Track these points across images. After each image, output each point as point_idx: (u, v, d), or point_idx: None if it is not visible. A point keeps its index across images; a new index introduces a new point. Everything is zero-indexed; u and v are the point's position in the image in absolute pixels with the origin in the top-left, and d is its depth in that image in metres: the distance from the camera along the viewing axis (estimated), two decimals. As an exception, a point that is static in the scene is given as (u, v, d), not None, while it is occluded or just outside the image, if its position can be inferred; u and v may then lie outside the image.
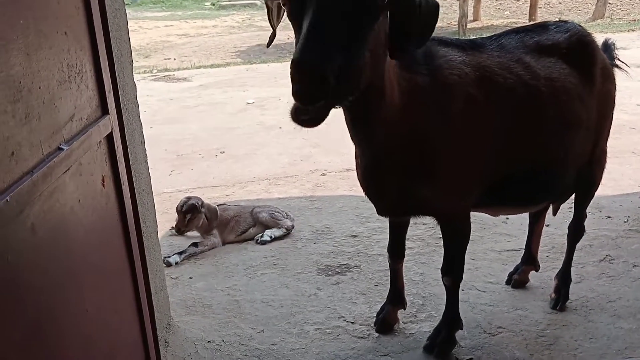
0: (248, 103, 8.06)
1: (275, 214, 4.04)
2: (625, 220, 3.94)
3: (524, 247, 3.25)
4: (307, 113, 1.62)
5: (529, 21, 15.31)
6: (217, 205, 4.09)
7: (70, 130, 1.46)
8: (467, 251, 2.57)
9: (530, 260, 3.18)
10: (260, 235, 3.93)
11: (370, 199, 2.46)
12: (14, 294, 1.16)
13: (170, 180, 5.26)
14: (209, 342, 2.77)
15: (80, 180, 1.52)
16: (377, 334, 2.82)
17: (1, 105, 1.13)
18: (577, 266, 3.17)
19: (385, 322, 2.84)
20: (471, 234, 2.54)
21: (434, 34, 1.92)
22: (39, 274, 1.28)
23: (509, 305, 3.02)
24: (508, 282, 3.22)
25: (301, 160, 5.63)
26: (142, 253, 2.04)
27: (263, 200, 4.55)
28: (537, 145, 2.46)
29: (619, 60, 2.84)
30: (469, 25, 14.74)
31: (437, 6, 1.84)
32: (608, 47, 2.83)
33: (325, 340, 2.80)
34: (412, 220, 2.80)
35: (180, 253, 3.73)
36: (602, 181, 2.93)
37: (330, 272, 3.46)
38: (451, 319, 2.65)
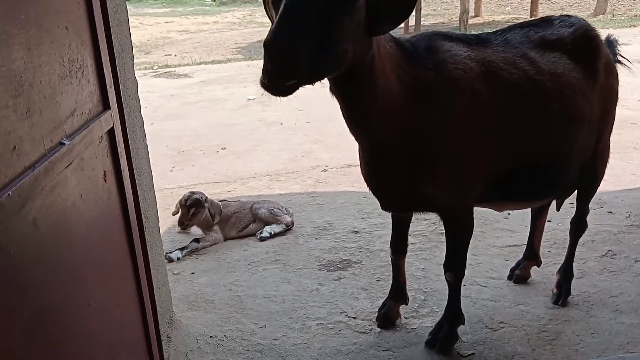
0: (249, 99, 8.06)
1: (275, 210, 4.04)
2: (627, 216, 3.94)
3: (525, 242, 3.25)
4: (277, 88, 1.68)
5: (530, 17, 15.28)
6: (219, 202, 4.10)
7: (71, 125, 1.46)
8: (469, 246, 2.57)
9: (532, 255, 3.18)
10: (260, 231, 3.93)
11: (373, 194, 2.47)
12: (16, 288, 1.16)
13: (172, 176, 5.26)
14: (211, 337, 2.78)
15: (82, 175, 1.52)
16: (379, 329, 2.82)
17: (2, 99, 1.13)
18: (579, 261, 3.17)
19: (387, 317, 2.84)
20: (473, 228, 2.54)
21: (439, 30, 1.93)
22: (41, 268, 1.28)
23: (510, 301, 3.02)
24: (510, 278, 3.22)
25: (302, 156, 5.63)
26: (144, 248, 2.03)
27: (264, 196, 4.55)
28: (542, 140, 2.46)
29: (622, 56, 2.83)
30: (470, 21, 14.72)
31: None
32: (611, 43, 2.82)
33: (327, 335, 2.80)
34: (414, 216, 2.81)
35: (182, 249, 3.74)
36: (604, 177, 2.93)
37: (332, 268, 3.46)
38: (453, 314, 2.65)
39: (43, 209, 1.27)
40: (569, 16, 2.67)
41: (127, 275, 1.90)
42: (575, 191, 2.89)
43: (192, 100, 8.29)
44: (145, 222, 2.30)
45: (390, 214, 2.72)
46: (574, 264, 3.05)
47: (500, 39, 2.44)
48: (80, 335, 1.49)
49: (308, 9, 1.65)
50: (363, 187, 2.52)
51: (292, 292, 3.20)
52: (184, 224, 3.95)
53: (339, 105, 2.11)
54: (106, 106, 1.73)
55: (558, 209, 3.10)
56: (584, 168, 2.68)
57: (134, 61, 2.51)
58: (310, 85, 1.80)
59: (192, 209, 3.87)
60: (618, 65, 2.80)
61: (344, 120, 2.17)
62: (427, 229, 3.85)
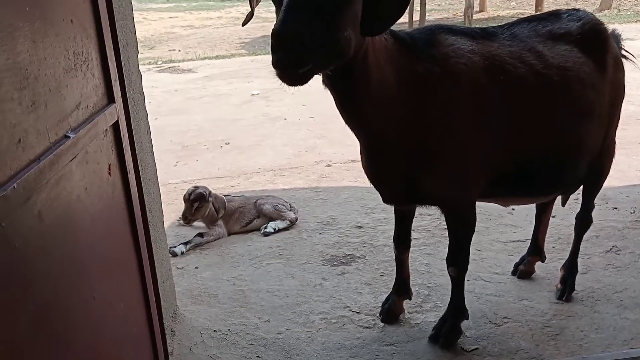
0: (253, 94, 8.06)
1: (279, 206, 4.04)
2: (632, 212, 3.93)
3: (529, 238, 3.24)
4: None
5: (536, 12, 15.20)
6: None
7: (76, 118, 1.46)
8: (472, 242, 2.57)
9: (536, 250, 3.17)
10: (264, 226, 3.94)
11: (374, 187, 2.47)
12: (21, 281, 1.17)
13: (176, 171, 5.27)
14: (215, 331, 2.79)
15: (87, 169, 1.52)
16: (382, 324, 2.82)
17: (8, 92, 1.13)
18: (583, 257, 3.16)
19: (391, 312, 2.84)
20: (477, 224, 2.54)
21: (443, 23, 1.94)
22: (46, 261, 1.28)
23: (514, 296, 3.02)
24: (514, 273, 3.22)
25: (306, 152, 5.63)
26: (149, 242, 2.04)
27: (268, 192, 4.55)
28: (549, 135, 2.45)
29: (626, 51, 2.81)
30: (475, 16, 14.66)
31: None
32: (615, 37, 2.80)
33: (331, 329, 2.80)
34: (417, 211, 2.80)
35: (185, 243, 3.74)
36: (609, 172, 2.92)
37: (335, 263, 3.46)
38: (457, 309, 2.65)
39: (48, 202, 1.27)
40: (577, 10, 2.66)
41: (131, 269, 1.90)
42: (581, 186, 2.88)
43: (196, 95, 8.29)
44: (150, 216, 2.30)
45: (393, 209, 2.72)
46: (579, 260, 3.04)
47: (507, 33, 2.43)
48: (84, 329, 1.50)
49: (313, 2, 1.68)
50: (367, 182, 2.52)
51: (295, 286, 3.21)
52: (187, 219, 3.96)
53: (332, 98, 2.12)
54: (111, 100, 1.73)
55: (563, 204, 3.09)
56: (591, 163, 2.66)
57: (138, 55, 2.51)
58: (318, 76, 1.84)
59: (196, 203, 3.88)
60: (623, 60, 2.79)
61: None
62: (431, 224, 3.85)
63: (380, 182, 2.44)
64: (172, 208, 4.29)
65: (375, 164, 2.38)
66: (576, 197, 3.13)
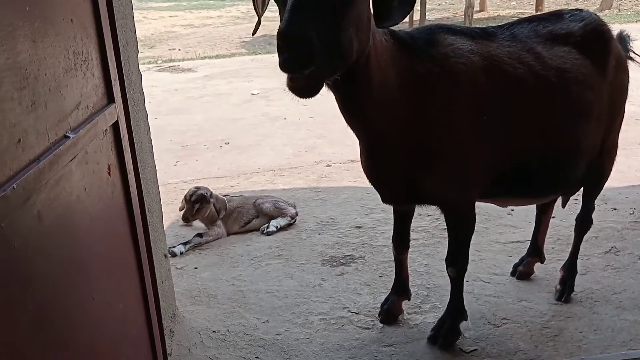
0: (253, 94, 8.06)
1: (279, 203, 4.05)
2: (631, 212, 3.93)
3: (529, 238, 3.24)
4: (299, 82, 1.72)
5: (536, 11, 15.19)
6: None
7: (76, 118, 1.46)
8: (472, 242, 2.57)
9: (536, 251, 3.17)
10: (266, 226, 3.93)
11: (374, 187, 2.47)
12: (20, 281, 1.17)
13: (175, 171, 5.27)
14: (214, 331, 2.78)
15: (86, 169, 1.52)
16: (381, 325, 2.82)
17: (8, 92, 1.13)
18: (582, 258, 3.16)
19: (390, 313, 2.84)
20: (476, 225, 2.54)
21: (443, 23, 1.94)
22: (45, 261, 1.28)
23: (513, 297, 3.02)
24: (513, 274, 3.22)
25: (306, 152, 5.63)
26: (148, 242, 2.04)
27: (268, 192, 4.55)
28: (547, 136, 2.44)
29: (634, 52, 2.80)
30: (476, 16, 14.66)
31: None
32: (623, 38, 2.79)
33: (330, 330, 2.80)
34: (416, 212, 2.80)
35: (185, 243, 3.74)
36: (609, 173, 2.92)
37: (334, 263, 3.46)
38: (455, 310, 2.65)
39: (47, 202, 1.27)
40: (580, 10, 2.65)
41: (130, 269, 1.90)
42: (581, 188, 2.88)
43: (196, 94, 8.29)
44: (149, 216, 2.30)
45: (392, 209, 2.72)
46: (578, 261, 3.04)
47: (506, 33, 2.43)
48: (84, 329, 1.50)
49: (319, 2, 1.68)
50: (366, 182, 2.52)
51: (294, 287, 3.21)
52: (188, 219, 3.96)
53: (334, 98, 2.12)
54: (111, 100, 1.73)
55: (564, 205, 3.09)
56: (591, 165, 2.66)
57: (138, 55, 2.51)
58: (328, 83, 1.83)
59: (197, 204, 3.88)
60: (629, 62, 2.78)
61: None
62: (430, 225, 3.85)
63: (380, 182, 2.44)
64: (171, 208, 4.28)
65: (376, 164, 2.38)
66: (576, 198, 3.13)
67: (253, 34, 2.32)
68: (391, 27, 2.01)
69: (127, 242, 1.87)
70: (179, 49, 13.40)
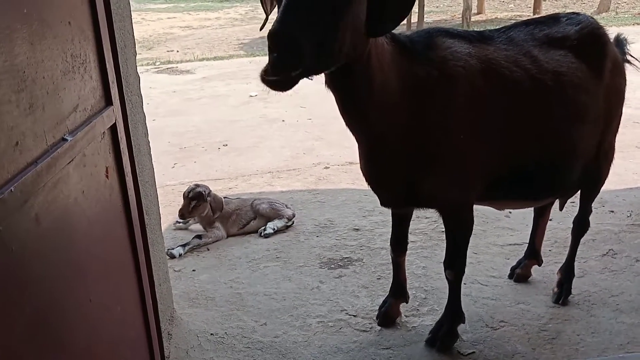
0: (251, 96, 8.05)
1: (276, 204, 4.05)
2: (629, 215, 3.94)
3: (526, 241, 3.24)
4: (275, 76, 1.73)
5: (533, 14, 15.24)
6: (220, 198, 4.09)
7: (74, 120, 1.46)
8: (469, 245, 2.57)
9: (533, 254, 3.18)
10: (263, 228, 3.93)
11: (373, 190, 2.47)
12: (18, 284, 1.16)
13: (173, 173, 5.26)
14: (211, 334, 2.78)
15: (84, 171, 1.52)
16: (379, 327, 2.82)
17: (5, 94, 1.13)
18: (579, 260, 3.16)
19: (388, 316, 2.84)
20: (474, 227, 2.54)
21: (440, 26, 1.95)
22: (43, 264, 1.28)
23: (511, 299, 3.02)
24: (510, 276, 3.22)
25: (304, 154, 5.63)
26: (146, 245, 2.03)
27: (266, 194, 4.55)
28: (543, 139, 2.45)
29: (631, 55, 2.81)
30: (473, 18, 14.69)
31: None
32: (620, 42, 2.80)
33: (328, 333, 2.80)
34: (414, 214, 2.80)
35: (184, 245, 3.74)
36: (606, 176, 2.92)
37: (332, 266, 3.46)
38: (453, 313, 2.65)
39: (45, 205, 1.27)
40: (577, 14, 2.66)
41: (128, 272, 1.90)
42: (578, 191, 2.89)
43: (194, 96, 8.28)
44: (147, 218, 2.30)
45: (390, 212, 2.72)
46: (575, 263, 3.04)
47: (503, 37, 2.43)
48: (81, 332, 1.49)
49: (311, 1, 1.69)
50: (364, 184, 2.52)
51: (292, 289, 3.20)
52: (184, 216, 3.95)
53: (334, 99, 2.13)
54: (108, 102, 1.73)
55: (561, 208, 3.10)
56: (588, 168, 2.66)
57: (136, 57, 2.51)
58: (309, 79, 1.84)
59: (194, 201, 3.88)
60: (627, 65, 2.78)
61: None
62: (428, 227, 3.85)
63: (379, 184, 2.44)
64: (169, 210, 4.28)
65: (375, 166, 2.38)
66: (573, 201, 3.14)
67: (260, 29, 2.35)
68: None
69: (125, 244, 1.87)
70: (177, 51, 13.40)
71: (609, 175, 2.93)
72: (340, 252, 3.61)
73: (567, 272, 3.02)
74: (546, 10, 15.97)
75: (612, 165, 2.89)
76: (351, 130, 2.24)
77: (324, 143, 5.86)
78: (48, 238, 1.30)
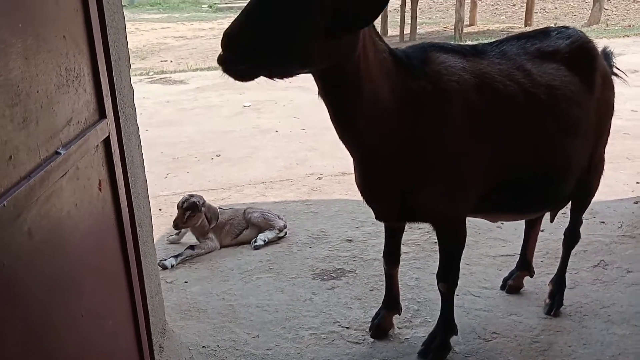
0: (244, 106, 8.06)
1: (268, 215, 4.04)
2: (620, 226, 3.96)
3: (518, 252, 3.26)
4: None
5: (525, 26, 15.38)
6: (213, 209, 4.09)
7: (67, 134, 1.46)
8: (462, 256, 2.58)
9: (525, 265, 3.19)
10: (254, 240, 3.93)
11: (367, 204, 2.48)
12: (10, 298, 1.16)
13: (166, 183, 5.25)
14: (203, 347, 2.77)
15: (77, 185, 1.52)
16: (372, 339, 2.82)
17: (-1, 109, 1.13)
18: (571, 272, 3.18)
19: (381, 328, 2.84)
20: (466, 239, 2.55)
21: (434, 41, 1.96)
22: (35, 278, 1.28)
23: (503, 311, 3.03)
24: (503, 288, 3.23)
25: (297, 164, 5.63)
26: (138, 257, 2.03)
27: (259, 204, 4.54)
28: (537, 152, 2.47)
29: (617, 68, 2.85)
30: (466, 30, 14.79)
31: None
32: (606, 55, 2.83)
33: (320, 345, 2.79)
34: (407, 225, 2.81)
35: (176, 256, 3.72)
36: (597, 187, 2.95)
37: (325, 277, 3.46)
38: (446, 325, 2.66)
39: (38, 219, 1.27)
40: (567, 28, 2.69)
41: (120, 285, 1.89)
42: (569, 202, 2.91)
43: (188, 106, 8.28)
44: (140, 230, 2.29)
45: (383, 223, 2.73)
46: (566, 274, 3.06)
47: (496, 51, 2.45)
48: (73, 345, 1.49)
49: (268, 7, 1.75)
50: (357, 195, 2.53)
51: (285, 301, 3.20)
52: (178, 226, 3.94)
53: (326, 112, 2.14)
54: (102, 115, 1.74)
55: (552, 220, 3.12)
56: (579, 180, 2.68)
57: (130, 67, 2.51)
58: (274, 81, 1.92)
59: (188, 212, 3.87)
60: (613, 77, 2.82)
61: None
62: (420, 238, 3.86)
63: (373, 198, 2.45)
64: (162, 220, 4.27)
65: (369, 180, 2.39)
66: (564, 212, 3.16)
67: None
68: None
69: (117, 257, 1.87)
70: (171, 61, 13.40)
71: (600, 186, 2.95)
72: (333, 263, 3.62)
73: (558, 283, 3.03)
74: (537, 21, 16.12)
75: (602, 176, 2.92)
76: (344, 142, 2.25)
77: (317, 154, 5.87)
78: (40, 252, 1.30)
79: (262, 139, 6.56)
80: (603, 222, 4.03)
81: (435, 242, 2.61)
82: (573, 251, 3.07)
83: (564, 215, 3.21)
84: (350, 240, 3.92)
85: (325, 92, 2.06)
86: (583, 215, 3.01)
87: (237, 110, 7.90)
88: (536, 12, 16.63)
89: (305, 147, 6.13)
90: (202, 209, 3.90)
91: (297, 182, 5.16)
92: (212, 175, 5.43)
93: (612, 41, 11.31)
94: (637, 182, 4.76)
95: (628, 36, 12.72)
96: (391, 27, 16.14)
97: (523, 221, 3.19)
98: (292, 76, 1.93)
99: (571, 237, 3.00)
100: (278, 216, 4.10)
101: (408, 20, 14.90)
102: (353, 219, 4.25)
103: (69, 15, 1.55)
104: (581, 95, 2.52)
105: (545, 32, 2.66)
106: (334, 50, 1.90)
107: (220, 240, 3.98)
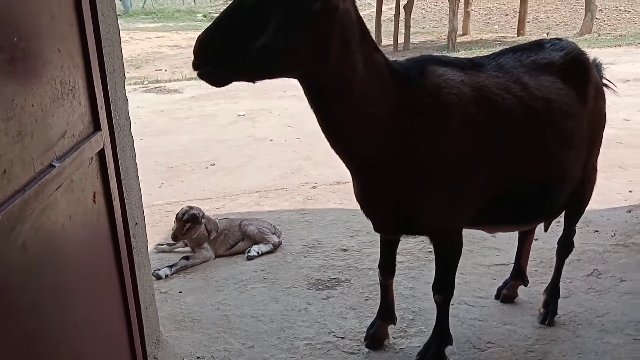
0: (239, 115, 8.08)
1: (263, 228, 4.03)
2: (613, 235, 3.98)
3: (512, 261, 3.27)
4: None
5: (517, 35, 15.51)
6: (208, 219, 4.08)
7: (62, 147, 1.47)
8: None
9: (519, 274, 3.20)
10: (247, 250, 3.92)
11: (365, 215, 2.48)
12: (5, 310, 1.16)
13: (160, 192, 5.24)
14: (198, 357, 2.76)
15: (72, 197, 1.52)
16: (367, 350, 2.81)
17: (-6, 123, 1.14)
18: (565, 281, 3.19)
19: (376, 338, 2.83)
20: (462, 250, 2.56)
21: (428, 51, 1.97)
22: (29, 291, 1.28)
23: (498, 320, 3.03)
24: (497, 297, 3.24)
25: (292, 173, 5.64)
26: (132, 269, 2.03)
27: (253, 214, 4.54)
28: (534, 165, 2.48)
29: (606, 79, 2.88)
30: (459, 40, 14.90)
31: None
32: (596, 66, 2.87)
33: (315, 355, 2.79)
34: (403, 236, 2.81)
35: (170, 266, 3.71)
36: (589, 196, 2.96)
37: (320, 287, 3.45)
38: (441, 335, 2.66)
39: (32, 232, 1.27)
40: (560, 40, 2.71)
41: (114, 296, 1.89)
42: (563, 212, 2.93)
43: (182, 115, 8.29)
44: (134, 241, 2.29)
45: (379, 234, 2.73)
46: (560, 283, 3.07)
47: (493, 64, 2.47)
48: (67, 357, 1.48)
49: (238, 18, 1.77)
50: (352, 204, 2.54)
51: (280, 311, 3.19)
52: (177, 238, 3.92)
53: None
54: (97, 127, 1.74)
55: (546, 229, 3.13)
56: (573, 191, 2.70)
57: (125, 77, 2.52)
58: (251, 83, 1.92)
59: (188, 224, 3.85)
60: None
61: None
62: (415, 248, 3.86)
63: (371, 209, 2.45)
64: (156, 230, 4.26)
65: (365, 190, 2.39)
66: (558, 221, 3.17)
67: None
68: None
69: (112, 268, 1.87)
70: (166, 70, 13.43)
71: (593, 195, 2.97)
72: (328, 273, 3.61)
73: (552, 292, 3.04)
74: (530, 31, 16.26)
75: (595, 185, 2.94)
76: (336, 152, 2.24)
77: (311, 162, 5.88)
78: (35, 265, 1.30)
79: (257, 148, 6.56)
80: (596, 231, 4.05)
81: (430, 251, 2.62)
82: (567, 260, 3.09)
83: (558, 224, 3.22)
84: (345, 250, 3.92)
85: (310, 99, 2.06)
86: (577, 224, 3.02)
87: (231, 119, 7.91)
88: (529, 22, 16.78)
89: (300, 156, 6.14)
90: (202, 220, 3.89)
91: (291, 191, 5.16)
92: (206, 185, 5.42)
93: (604, 51, 11.43)
94: (630, 191, 4.79)
95: (620, 46, 12.84)
96: (385, 36, 16.24)
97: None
98: (271, 78, 1.98)
99: (565, 246, 3.02)
100: (275, 227, 4.09)
101: (402, 29, 15.00)
102: (348, 228, 4.26)
103: (64, 29, 1.56)
104: (575, 107, 2.54)
105: (539, 45, 2.68)
106: (304, 54, 1.89)
107: (215, 250, 3.97)
